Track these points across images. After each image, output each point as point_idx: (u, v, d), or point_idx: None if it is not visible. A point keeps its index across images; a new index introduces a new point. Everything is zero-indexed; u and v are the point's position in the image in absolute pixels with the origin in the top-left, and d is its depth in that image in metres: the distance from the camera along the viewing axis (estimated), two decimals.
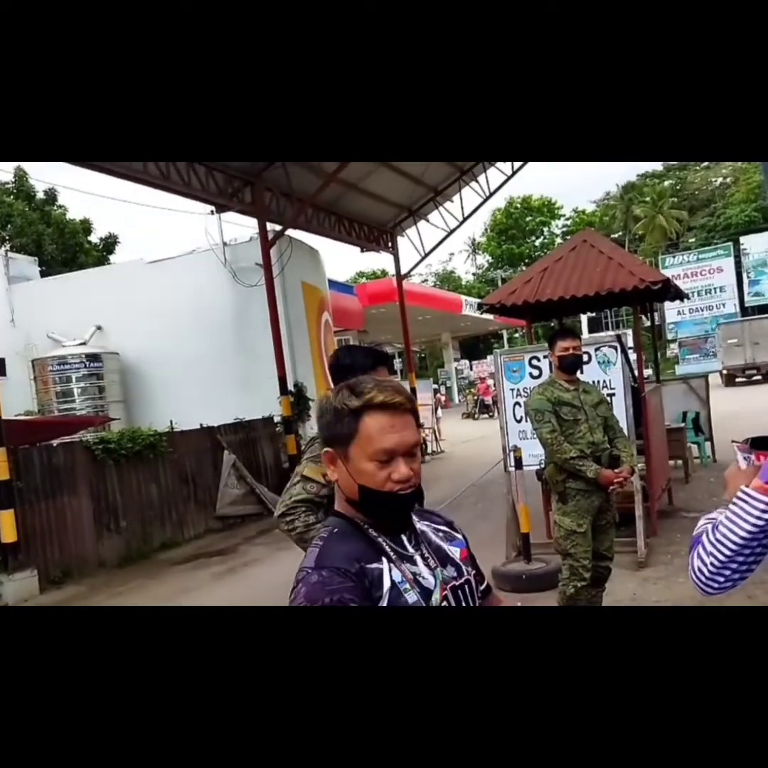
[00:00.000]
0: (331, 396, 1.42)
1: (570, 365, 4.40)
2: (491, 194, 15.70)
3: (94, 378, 12.70)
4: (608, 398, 5.09)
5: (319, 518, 2.48)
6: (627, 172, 59.70)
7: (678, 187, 48.53)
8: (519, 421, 6.32)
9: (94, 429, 10.81)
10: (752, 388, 22.64)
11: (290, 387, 12.08)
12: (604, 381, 6.02)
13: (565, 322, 9.69)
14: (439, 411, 19.86)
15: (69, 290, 13.98)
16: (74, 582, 8.22)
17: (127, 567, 8.89)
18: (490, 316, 10.81)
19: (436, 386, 26.96)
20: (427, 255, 16.63)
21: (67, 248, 23.46)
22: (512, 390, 6.46)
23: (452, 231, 16.20)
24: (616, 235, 45.18)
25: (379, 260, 41.77)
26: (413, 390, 15.48)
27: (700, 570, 1.43)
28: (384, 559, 1.36)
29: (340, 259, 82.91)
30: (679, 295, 8.25)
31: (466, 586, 1.46)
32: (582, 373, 4.65)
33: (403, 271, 16.98)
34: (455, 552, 1.50)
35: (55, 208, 24.60)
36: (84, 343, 13.12)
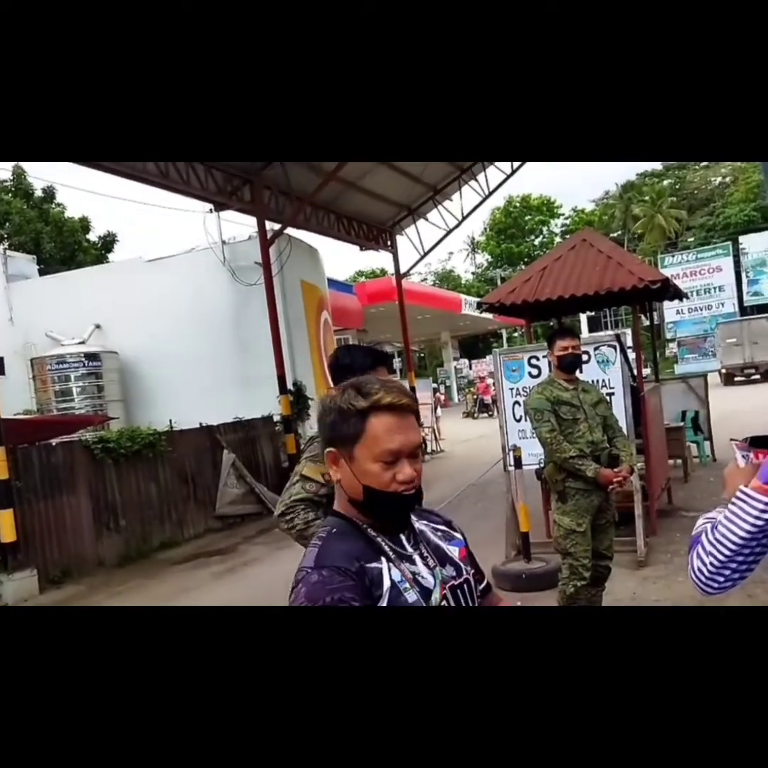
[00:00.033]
0: (336, 396, 1.40)
1: (569, 364, 4.40)
2: (490, 193, 15.70)
3: (92, 377, 12.67)
4: (607, 397, 5.09)
5: (318, 515, 2.48)
6: (626, 171, 59.66)
7: (677, 187, 48.54)
8: (518, 421, 6.32)
9: (93, 428, 10.81)
10: (751, 388, 22.70)
11: (289, 386, 12.07)
12: (603, 380, 6.02)
13: (565, 322, 9.69)
14: (439, 410, 19.85)
15: (68, 289, 13.94)
16: (73, 581, 8.21)
17: (126, 566, 8.88)
18: (489, 316, 10.78)
19: (435, 385, 26.98)
20: (426, 254, 16.61)
21: (66, 246, 23.39)
22: (511, 389, 6.47)
23: (451, 230, 16.20)
24: (615, 235, 45.17)
25: (378, 259, 41.91)
26: (413, 389, 15.46)
27: (699, 570, 1.43)
28: (383, 559, 1.36)
29: (340, 258, 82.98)
30: (678, 294, 8.25)
31: (465, 586, 1.46)
32: (581, 372, 4.66)
33: (403, 270, 16.97)
34: (454, 551, 1.50)
35: (53, 206, 24.50)
36: (83, 342, 13.10)
